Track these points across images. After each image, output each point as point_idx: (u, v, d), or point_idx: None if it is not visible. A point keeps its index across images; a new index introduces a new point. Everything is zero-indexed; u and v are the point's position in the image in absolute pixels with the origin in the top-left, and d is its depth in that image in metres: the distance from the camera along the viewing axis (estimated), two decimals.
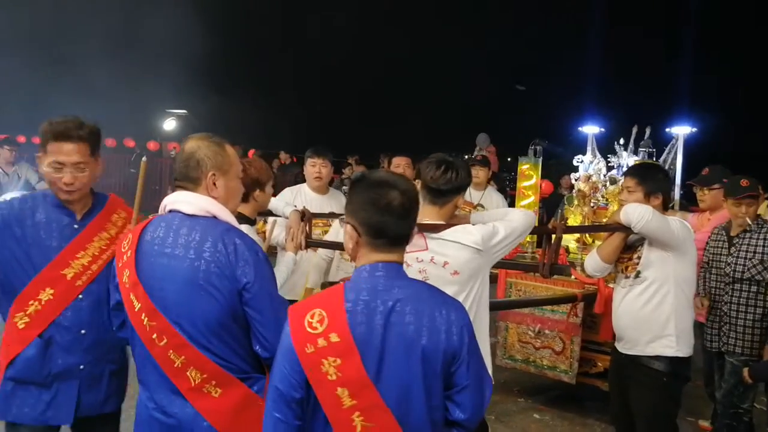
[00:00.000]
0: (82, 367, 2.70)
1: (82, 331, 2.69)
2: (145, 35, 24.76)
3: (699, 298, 4.41)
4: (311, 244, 3.74)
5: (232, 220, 2.35)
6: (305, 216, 3.66)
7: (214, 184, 2.32)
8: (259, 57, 27.80)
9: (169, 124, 23.18)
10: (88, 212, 2.75)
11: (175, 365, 2.20)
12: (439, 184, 2.84)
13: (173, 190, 2.37)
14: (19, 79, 18.83)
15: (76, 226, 2.71)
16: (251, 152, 14.49)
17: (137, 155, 17.40)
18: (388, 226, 1.94)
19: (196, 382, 2.21)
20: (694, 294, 4.15)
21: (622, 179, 4.87)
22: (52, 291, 2.63)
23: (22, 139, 15.67)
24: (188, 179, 2.32)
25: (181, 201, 2.29)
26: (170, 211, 2.31)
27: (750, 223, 4.21)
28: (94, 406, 2.75)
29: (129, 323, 2.28)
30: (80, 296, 2.68)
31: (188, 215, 2.27)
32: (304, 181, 5.03)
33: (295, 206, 3.78)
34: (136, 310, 2.21)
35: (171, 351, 2.19)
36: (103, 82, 23.35)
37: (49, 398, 2.67)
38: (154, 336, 2.20)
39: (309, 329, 1.87)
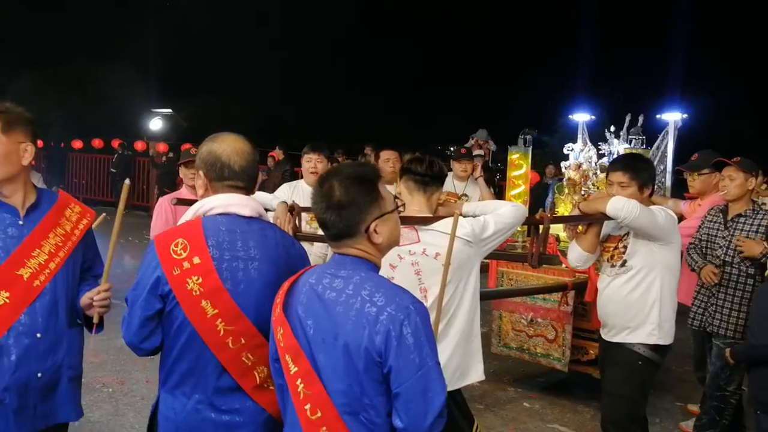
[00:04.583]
0: (39, 375, 2.52)
1: (38, 335, 2.51)
2: (130, 36, 24.71)
3: (708, 268, 4.32)
4: (299, 237, 3.71)
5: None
6: (294, 209, 3.64)
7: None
8: (245, 54, 27.76)
9: (155, 124, 23.10)
10: (32, 207, 2.56)
11: (245, 365, 2.20)
12: (426, 173, 3.03)
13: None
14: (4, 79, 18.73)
15: (21, 222, 2.51)
16: None
17: (119, 155, 17.39)
18: (327, 220, 1.99)
19: (261, 378, 2.22)
20: (704, 266, 4.32)
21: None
22: (7, 294, 2.46)
23: None
24: (253, 179, 2.34)
25: (236, 204, 2.26)
26: (219, 214, 2.25)
27: None
28: (48, 416, 2.57)
29: (188, 330, 2.18)
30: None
31: (246, 218, 2.26)
32: (293, 177, 5.03)
33: (284, 201, 3.75)
34: (209, 315, 2.15)
35: (246, 352, 2.19)
36: (87, 82, 23.31)
37: (3, 415, 2.46)
38: (229, 339, 2.17)
39: (276, 300, 2.06)
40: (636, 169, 3.55)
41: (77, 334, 2.66)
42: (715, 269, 4.29)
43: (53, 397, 2.59)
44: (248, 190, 2.32)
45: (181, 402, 2.23)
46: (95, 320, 2.59)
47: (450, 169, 6.07)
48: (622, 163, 3.70)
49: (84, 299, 2.59)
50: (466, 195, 5.92)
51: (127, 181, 2.63)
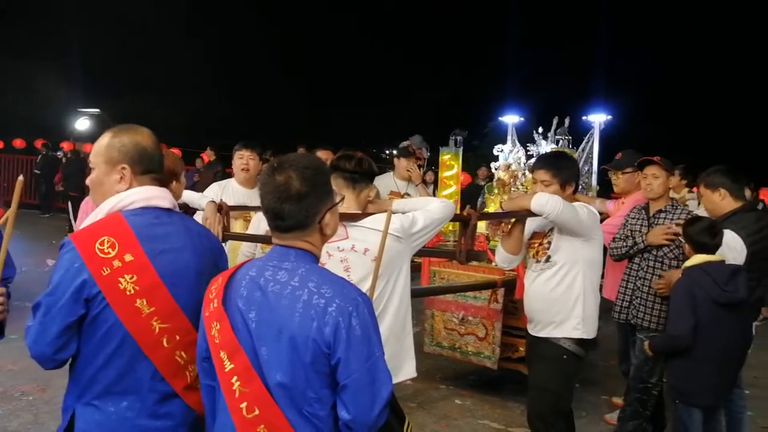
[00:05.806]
0: None
1: None
2: (57, 34, 23.98)
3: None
4: (228, 237, 3.66)
5: None
6: (222, 209, 3.60)
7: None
8: (175, 54, 27.33)
9: (83, 124, 22.48)
10: None
11: (178, 364, 2.14)
12: (354, 170, 3.04)
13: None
14: None
15: None
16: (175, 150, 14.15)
17: (43, 156, 16.87)
18: (284, 211, 1.94)
19: (191, 378, 2.16)
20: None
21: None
22: None
23: None
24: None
25: (157, 197, 2.21)
26: (141, 208, 2.17)
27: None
28: None
29: (119, 335, 2.07)
30: None
31: (166, 210, 2.22)
32: (224, 178, 4.99)
33: (213, 200, 3.70)
34: (144, 315, 2.07)
35: (180, 350, 2.13)
36: (8, 80, 22.53)
37: None
38: (164, 338, 2.10)
39: (210, 296, 2.00)
40: (558, 167, 3.64)
41: None
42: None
43: None
44: (163, 183, 2.31)
45: (104, 413, 2.09)
46: None
47: (390, 169, 6.07)
48: (544, 161, 3.78)
49: None
50: (408, 194, 5.92)
51: (20, 178, 2.48)
